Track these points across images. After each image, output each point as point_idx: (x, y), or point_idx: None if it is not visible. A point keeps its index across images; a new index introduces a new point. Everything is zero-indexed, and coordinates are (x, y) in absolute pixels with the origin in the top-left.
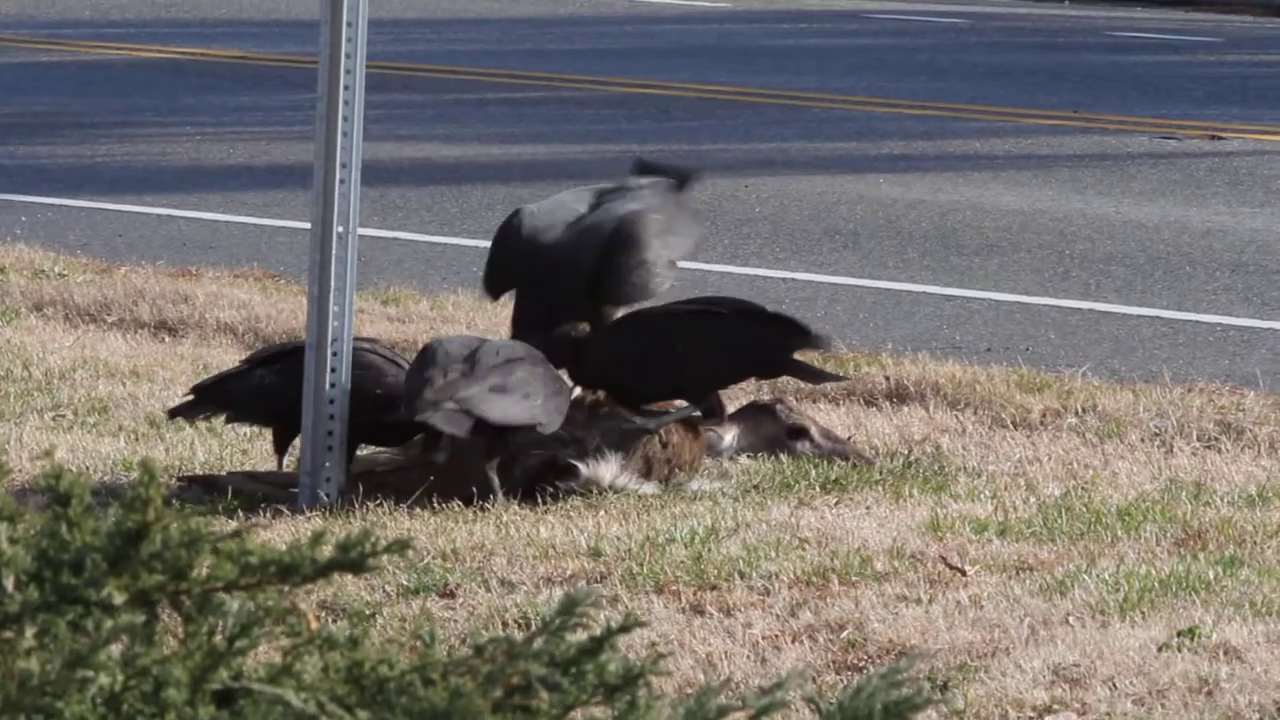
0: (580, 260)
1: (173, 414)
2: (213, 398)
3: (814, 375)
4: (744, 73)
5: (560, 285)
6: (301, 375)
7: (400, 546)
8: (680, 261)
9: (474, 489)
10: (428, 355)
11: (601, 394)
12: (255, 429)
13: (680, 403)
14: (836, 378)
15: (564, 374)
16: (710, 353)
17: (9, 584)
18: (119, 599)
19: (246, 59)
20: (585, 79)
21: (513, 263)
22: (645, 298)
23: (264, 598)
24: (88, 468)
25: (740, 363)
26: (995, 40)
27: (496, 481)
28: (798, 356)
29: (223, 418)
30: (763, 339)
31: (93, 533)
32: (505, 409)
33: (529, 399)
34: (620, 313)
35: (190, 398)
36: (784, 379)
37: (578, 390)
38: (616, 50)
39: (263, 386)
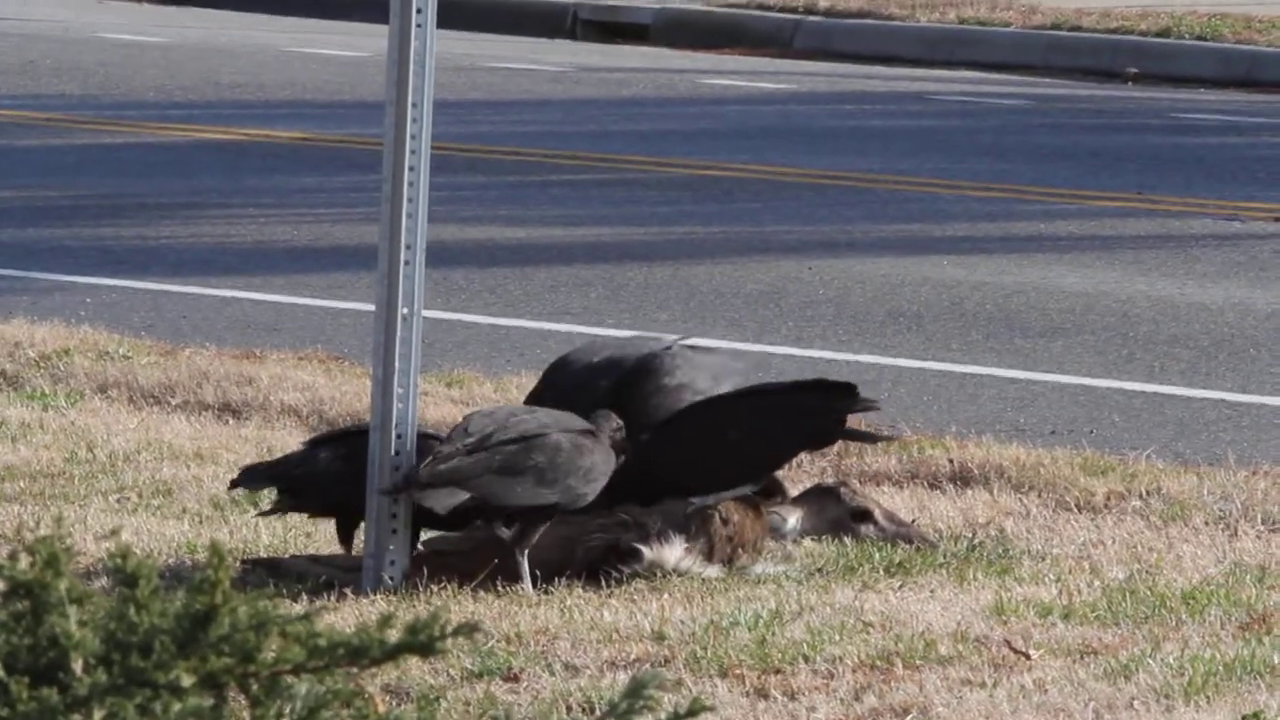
0: (601, 384)
1: (234, 485)
2: (268, 479)
3: (867, 437)
4: (807, 154)
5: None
6: (361, 460)
7: (468, 629)
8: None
9: (537, 573)
10: (452, 431)
11: None
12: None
13: None
14: (889, 438)
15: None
16: (762, 433)
17: (77, 667)
18: (187, 682)
19: (310, 140)
20: (649, 160)
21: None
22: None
23: (331, 681)
24: (152, 550)
25: (793, 437)
26: (1059, 121)
27: (525, 568)
28: (849, 421)
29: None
30: (811, 408)
31: (161, 615)
32: (512, 491)
33: (545, 480)
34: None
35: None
36: (847, 462)
37: None
38: (680, 131)
39: (324, 472)
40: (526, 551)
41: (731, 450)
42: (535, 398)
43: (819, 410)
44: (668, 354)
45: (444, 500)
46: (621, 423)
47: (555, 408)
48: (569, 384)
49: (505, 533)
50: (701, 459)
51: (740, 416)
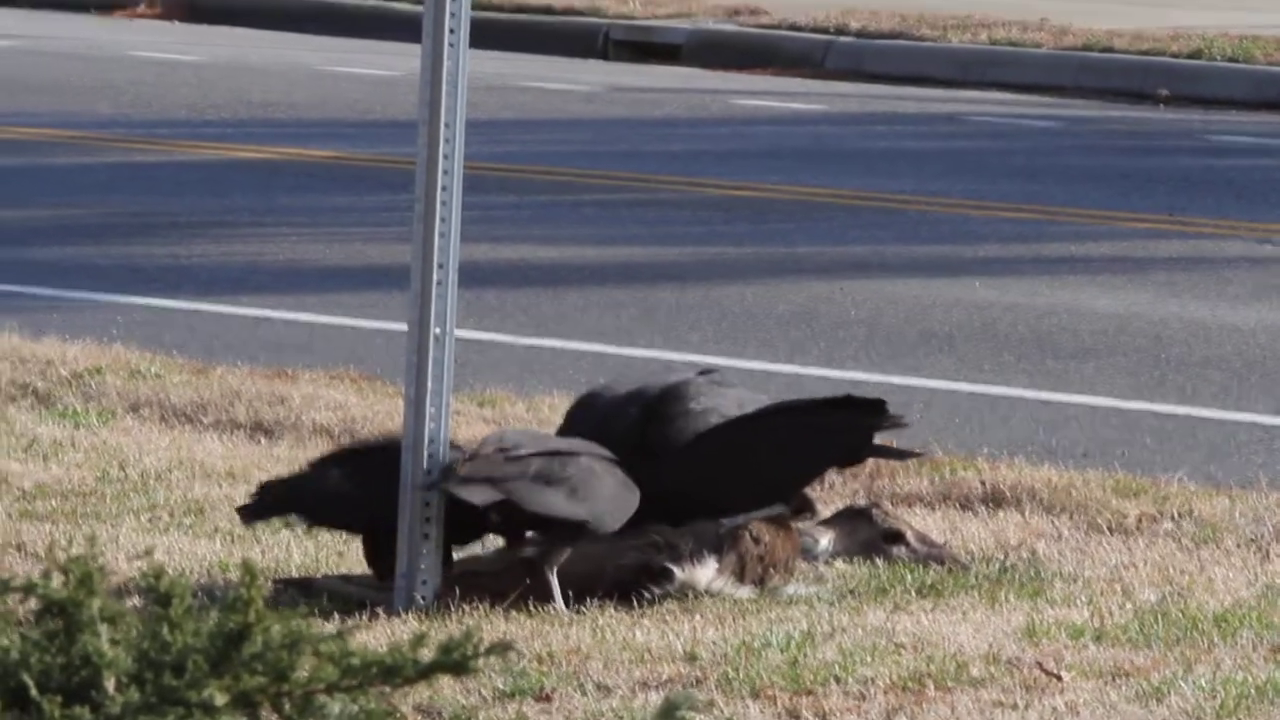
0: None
1: (242, 513)
2: (283, 500)
3: (897, 454)
4: (839, 175)
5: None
6: (379, 476)
7: (502, 649)
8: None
9: (569, 592)
10: (483, 441)
11: None
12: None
13: None
14: (919, 454)
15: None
16: (791, 450)
17: (110, 685)
18: (220, 700)
19: (342, 159)
20: (681, 180)
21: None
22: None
23: (365, 700)
24: (184, 569)
25: (822, 454)
26: (1090, 143)
27: (555, 585)
28: (879, 439)
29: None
30: (839, 425)
31: (194, 634)
32: (545, 499)
33: (576, 496)
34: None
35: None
36: (879, 484)
37: None
38: (712, 152)
39: (337, 493)
40: (556, 569)
41: (760, 468)
42: (565, 430)
43: (847, 427)
44: (693, 381)
45: (479, 495)
46: None
47: (585, 438)
48: (597, 414)
49: (531, 550)
50: (730, 477)
51: (768, 434)
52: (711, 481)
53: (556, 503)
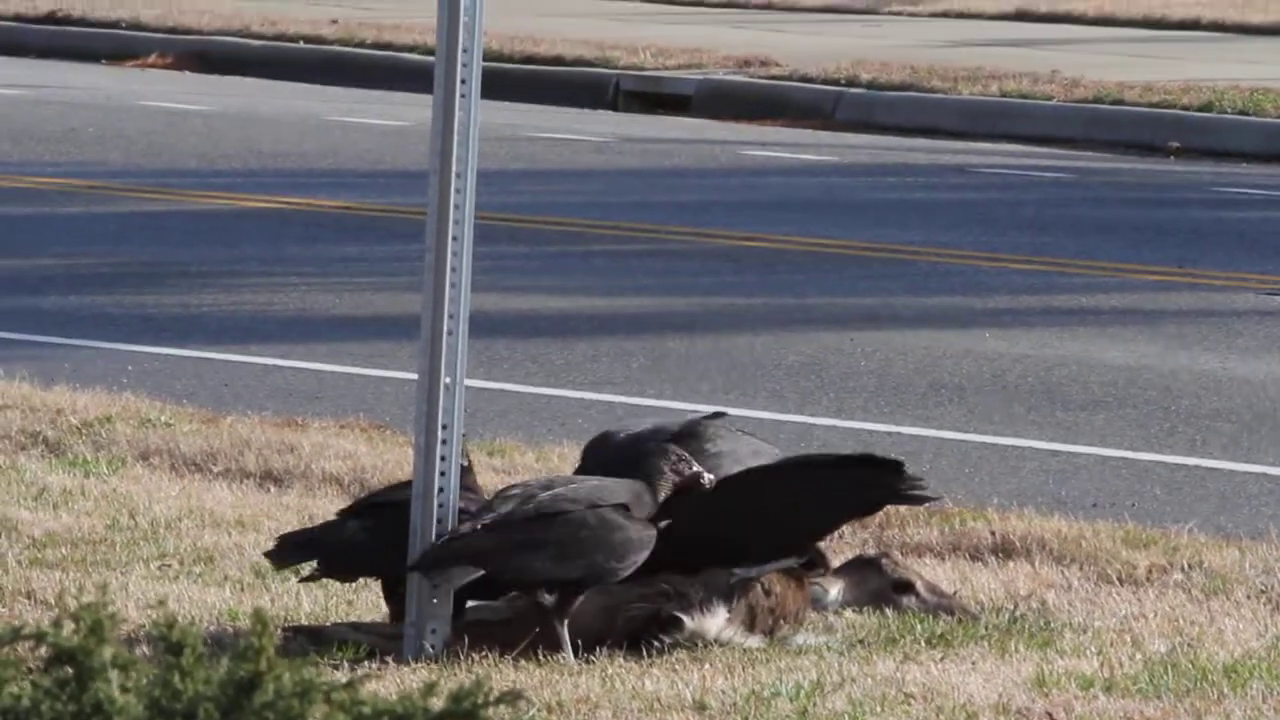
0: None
1: (270, 557)
2: (303, 550)
3: (914, 499)
4: (849, 226)
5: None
6: (389, 528)
7: (511, 698)
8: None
9: (578, 642)
10: (481, 506)
11: None
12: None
13: None
14: (935, 498)
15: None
16: (808, 503)
17: None
18: None
19: (352, 209)
20: (690, 231)
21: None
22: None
23: None
24: (194, 617)
25: (840, 509)
26: (1101, 195)
27: (565, 636)
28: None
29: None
30: (858, 481)
31: (205, 682)
32: (528, 566)
33: (565, 555)
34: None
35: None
36: (889, 534)
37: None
38: (722, 203)
39: (354, 543)
40: (566, 621)
41: (777, 519)
42: (582, 470)
43: (866, 483)
44: (711, 423)
45: (456, 578)
46: (669, 483)
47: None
48: (614, 454)
49: (547, 599)
50: (746, 526)
51: (787, 485)
52: (727, 529)
53: (542, 568)
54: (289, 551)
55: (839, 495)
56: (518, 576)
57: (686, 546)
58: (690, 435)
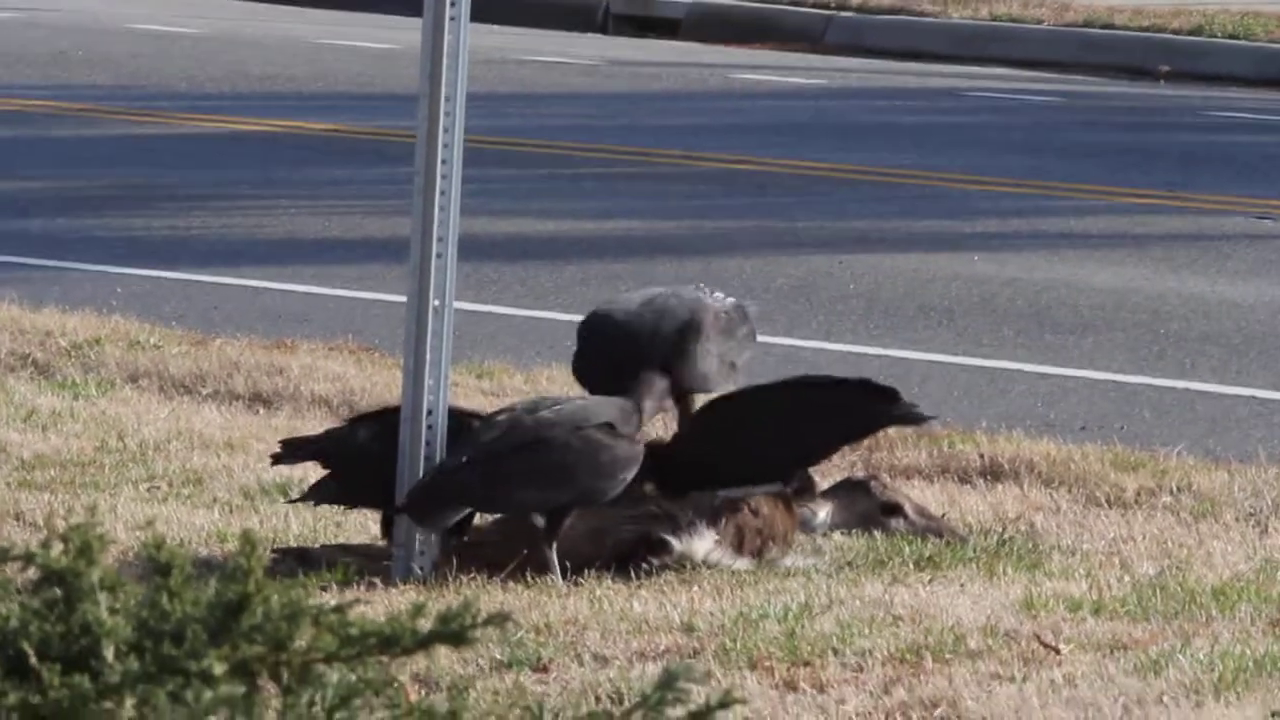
0: (655, 348)
1: (276, 460)
2: (310, 454)
3: (909, 419)
4: (839, 149)
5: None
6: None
7: (500, 619)
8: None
9: (567, 564)
10: (462, 434)
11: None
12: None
13: None
14: (932, 416)
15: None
16: (803, 427)
17: (109, 654)
18: (219, 670)
19: (340, 132)
20: (680, 154)
21: (596, 354)
22: (714, 387)
23: (363, 670)
24: (182, 539)
25: (833, 433)
26: (1090, 119)
27: (554, 559)
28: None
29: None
30: (852, 407)
31: (193, 603)
32: (510, 498)
33: (550, 484)
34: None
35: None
36: (878, 456)
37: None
38: (711, 126)
39: (365, 450)
40: (555, 544)
41: (771, 442)
42: (580, 358)
43: (862, 408)
44: (712, 311)
45: (442, 520)
46: (654, 401)
47: (599, 372)
48: (616, 342)
49: (539, 521)
50: (740, 449)
51: (783, 409)
52: (720, 449)
53: (530, 498)
54: (293, 452)
55: (834, 417)
56: (506, 509)
57: (680, 466)
58: (694, 332)
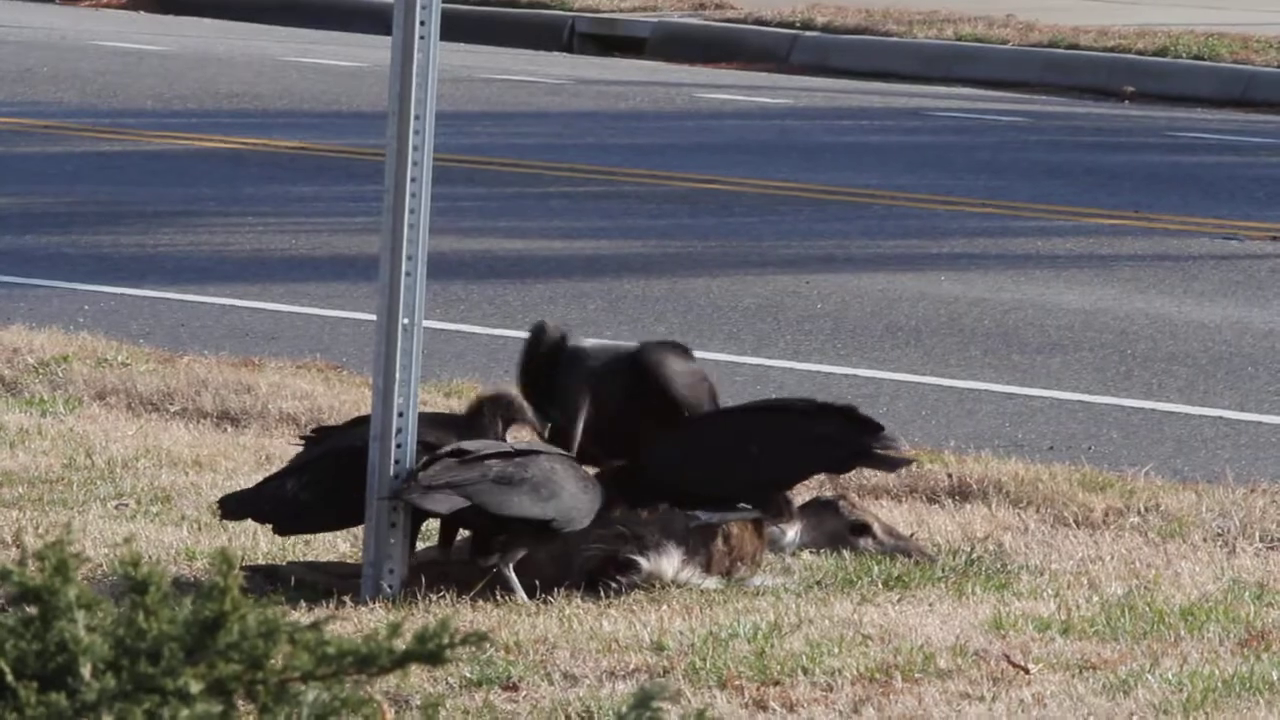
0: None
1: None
2: (246, 511)
3: (888, 463)
4: (805, 169)
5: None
6: (330, 482)
7: (477, 639)
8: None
9: (536, 583)
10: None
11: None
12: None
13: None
14: (909, 461)
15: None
16: (782, 452)
17: (86, 672)
18: (195, 688)
19: (307, 149)
20: (647, 174)
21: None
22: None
23: (339, 688)
24: (151, 557)
25: (812, 461)
26: (1056, 139)
27: (513, 579)
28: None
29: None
30: (834, 437)
31: (170, 621)
32: (510, 501)
33: (540, 495)
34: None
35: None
36: (846, 477)
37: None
38: (678, 146)
39: (295, 501)
40: (512, 564)
41: (747, 464)
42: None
43: (843, 441)
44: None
45: (444, 503)
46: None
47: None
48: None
49: (490, 561)
50: (715, 469)
51: (762, 432)
52: (695, 473)
53: (521, 504)
54: (233, 509)
55: (813, 446)
56: (500, 510)
57: (651, 486)
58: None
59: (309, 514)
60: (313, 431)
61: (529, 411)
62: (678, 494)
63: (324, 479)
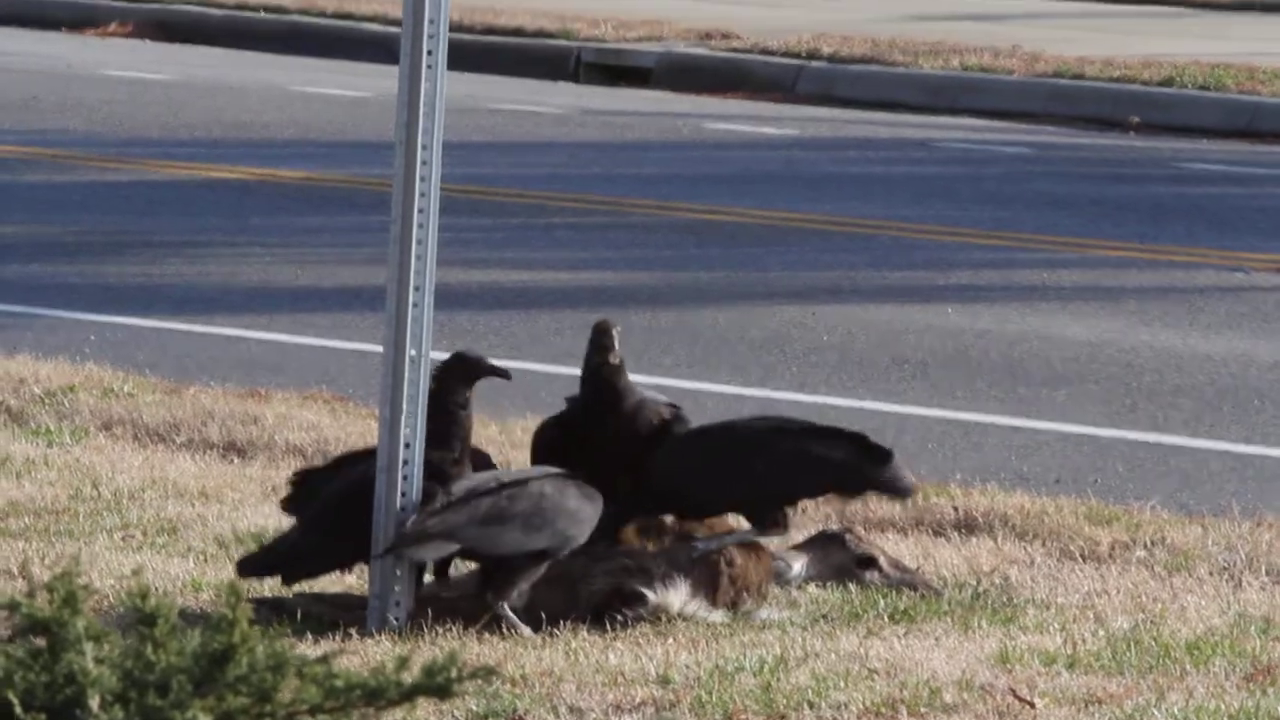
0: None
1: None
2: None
3: (897, 489)
4: (811, 200)
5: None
6: (329, 526)
7: (485, 673)
8: None
9: (542, 615)
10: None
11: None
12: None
13: (743, 523)
14: (913, 491)
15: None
16: (791, 468)
17: (94, 704)
18: None
19: (314, 180)
20: (652, 204)
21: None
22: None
23: None
24: (158, 589)
25: (822, 480)
26: (1062, 170)
27: (512, 617)
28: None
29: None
30: (844, 463)
31: (178, 654)
32: (500, 540)
33: (532, 526)
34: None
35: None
36: (852, 509)
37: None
38: (684, 176)
39: (302, 550)
40: (507, 602)
41: (754, 478)
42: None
43: (853, 467)
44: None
45: (435, 553)
46: None
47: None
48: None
49: (490, 596)
50: (721, 479)
51: (772, 449)
52: (702, 482)
53: (513, 540)
54: (251, 571)
55: (821, 466)
56: (492, 551)
57: (655, 496)
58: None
59: (313, 558)
60: (295, 475)
61: (486, 362)
62: (681, 503)
63: (325, 525)
